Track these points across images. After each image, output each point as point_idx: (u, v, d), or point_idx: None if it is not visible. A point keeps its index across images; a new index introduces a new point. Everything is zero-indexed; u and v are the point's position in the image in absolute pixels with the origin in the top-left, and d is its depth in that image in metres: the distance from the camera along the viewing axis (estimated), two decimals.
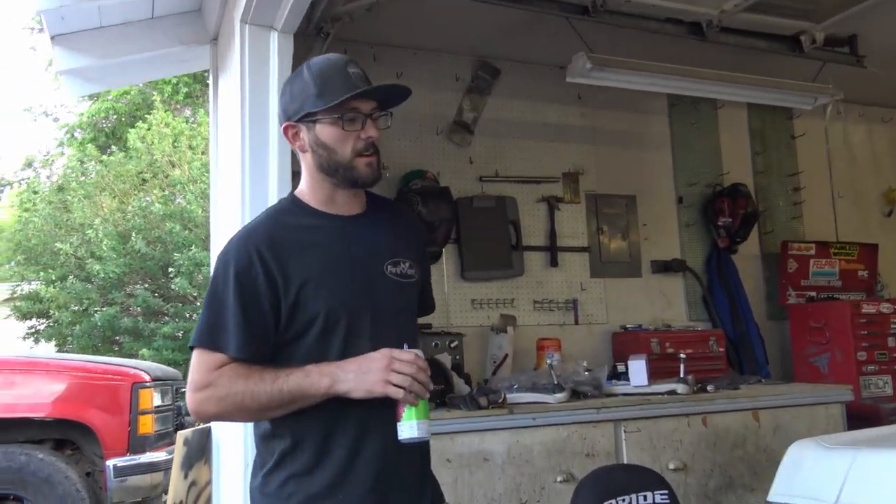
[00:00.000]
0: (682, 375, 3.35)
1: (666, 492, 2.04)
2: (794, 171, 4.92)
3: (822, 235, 4.81)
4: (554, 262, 4.12)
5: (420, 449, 1.62)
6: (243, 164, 2.66)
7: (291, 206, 1.70)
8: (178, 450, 3.33)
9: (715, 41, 3.61)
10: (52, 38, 3.48)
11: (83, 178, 10.14)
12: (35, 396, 4.51)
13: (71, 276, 8.65)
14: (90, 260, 8.55)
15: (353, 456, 1.56)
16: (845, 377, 4.04)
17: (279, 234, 1.61)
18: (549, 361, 3.26)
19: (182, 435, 3.38)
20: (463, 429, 2.84)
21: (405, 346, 1.54)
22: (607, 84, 3.53)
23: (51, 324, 9.12)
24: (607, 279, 4.28)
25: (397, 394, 1.47)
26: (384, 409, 1.52)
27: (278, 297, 1.56)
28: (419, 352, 1.54)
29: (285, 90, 1.68)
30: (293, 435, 1.57)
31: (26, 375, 4.62)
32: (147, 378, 4.68)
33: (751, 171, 4.81)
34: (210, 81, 3.84)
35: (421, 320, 1.87)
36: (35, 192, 11.19)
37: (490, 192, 4.05)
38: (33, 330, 9.53)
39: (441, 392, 3.11)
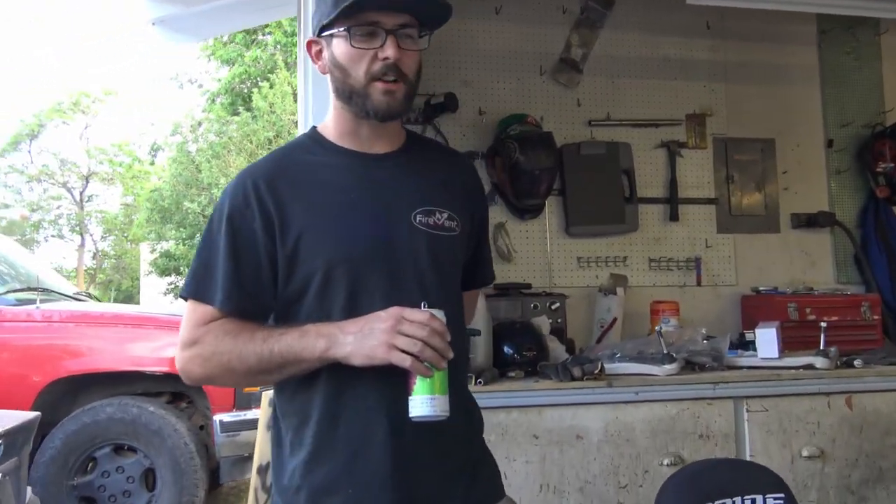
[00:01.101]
0: (821, 347, 2.85)
1: (782, 496, 1.63)
2: None
3: None
4: (674, 216, 3.65)
5: (454, 429, 1.33)
6: (305, 105, 2.42)
7: (307, 141, 1.48)
8: (264, 410, 3.22)
9: None
10: None
11: (215, 138, 10.49)
12: (153, 351, 4.61)
13: (198, 234, 8.97)
14: None
15: (363, 440, 1.29)
16: None
17: (285, 170, 1.40)
18: (659, 328, 2.85)
19: (267, 395, 3.27)
20: (553, 402, 2.52)
21: (423, 304, 1.27)
22: (738, 4, 2.99)
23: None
24: (737, 235, 3.75)
25: (403, 361, 1.22)
26: (402, 380, 1.26)
27: (275, 244, 1.34)
28: (439, 312, 1.26)
29: (314, 1, 1.46)
30: (298, 415, 1.33)
31: (146, 330, 4.73)
32: None
33: None
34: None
35: (517, 279, 1.58)
36: (190, 151, 11.67)
37: (600, 138, 3.62)
38: (172, 286, 10.04)
39: (533, 359, 2.80)
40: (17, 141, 22.62)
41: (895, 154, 3.75)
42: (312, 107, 2.41)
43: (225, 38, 14.32)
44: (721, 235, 3.72)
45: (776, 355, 2.87)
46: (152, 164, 18.72)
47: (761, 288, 3.62)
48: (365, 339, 1.25)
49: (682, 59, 3.77)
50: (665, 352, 2.72)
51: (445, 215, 1.45)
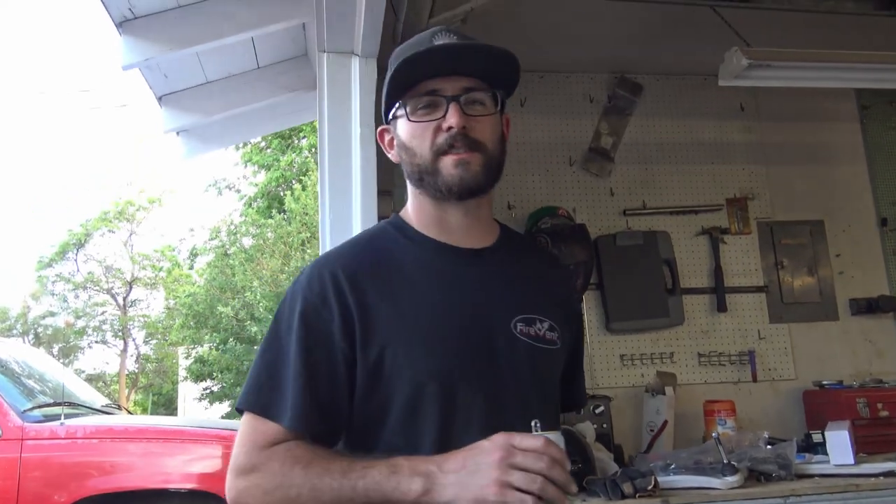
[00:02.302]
0: None
1: None
2: None
3: None
4: (721, 307, 3.41)
5: None
6: (323, 206, 2.31)
7: (389, 229, 1.28)
8: None
9: None
10: (159, 98, 3.40)
11: (251, 240, 10.59)
12: (180, 466, 4.42)
13: (231, 339, 8.91)
14: (249, 322, 8.77)
15: None
16: None
17: (367, 262, 1.21)
18: (716, 433, 2.57)
19: None
20: None
21: (535, 424, 1.03)
22: (771, 83, 2.86)
23: (221, 385, 9.45)
24: (792, 325, 3.48)
25: (522, 502, 0.97)
26: None
27: (355, 351, 1.13)
28: (555, 435, 1.02)
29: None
30: None
31: (173, 444, 4.55)
32: None
33: None
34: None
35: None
36: (226, 255, 11.79)
37: (637, 228, 3.45)
38: (207, 391, 9.92)
39: (578, 473, 2.53)
40: (65, 250, 23.28)
41: None
42: (329, 209, 2.29)
43: (262, 144, 14.76)
44: (774, 325, 3.46)
45: (852, 461, 2.57)
46: (191, 268, 19.02)
47: (825, 382, 3.32)
48: (471, 477, 0.99)
49: (717, 142, 3.63)
50: (725, 461, 2.45)
51: (546, 325, 1.24)
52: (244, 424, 1.15)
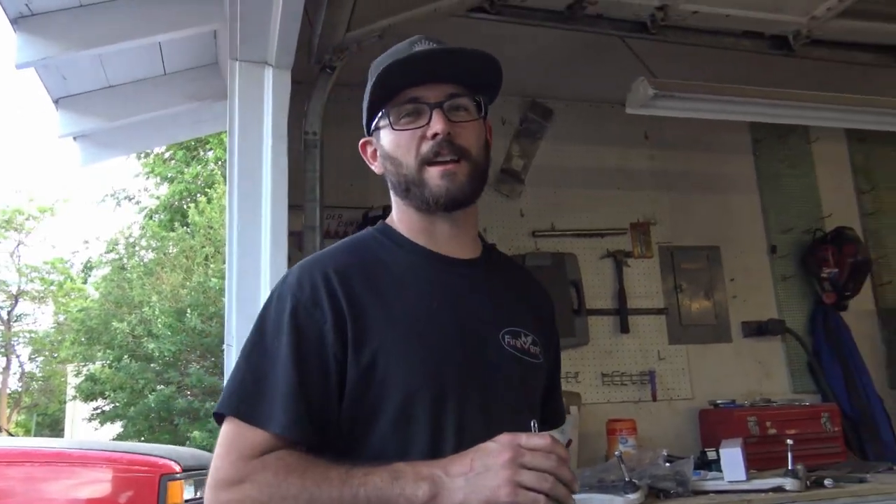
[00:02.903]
0: (789, 466, 2.66)
1: None
2: None
3: None
4: (624, 328, 3.51)
5: None
6: (230, 220, 2.23)
7: (378, 235, 1.23)
8: None
9: (805, 56, 3.02)
10: (56, 101, 3.22)
11: (151, 254, 10.18)
12: (66, 492, 4.15)
13: (126, 356, 8.49)
14: (146, 338, 8.39)
15: None
16: None
17: (358, 265, 1.16)
18: (618, 451, 2.63)
19: None
20: None
21: (534, 424, 1.01)
22: (676, 114, 2.98)
23: (114, 405, 8.98)
24: (690, 346, 3.63)
25: (534, 502, 0.94)
26: None
27: (346, 353, 1.08)
28: (556, 434, 1.01)
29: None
30: None
31: (49, 468, 4.27)
32: (177, 469, 4.24)
33: (857, 212, 4.11)
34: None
35: None
36: (123, 268, 11.24)
37: (545, 249, 3.51)
38: (98, 411, 9.40)
39: None
40: None
41: (838, 259, 3.73)
42: (238, 223, 2.22)
43: (166, 155, 14.24)
44: (673, 346, 3.59)
45: (744, 477, 2.67)
46: (85, 282, 18.08)
47: (719, 401, 3.46)
48: (480, 479, 0.96)
49: (623, 168, 3.75)
50: (627, 479, 2.50)
51: (530, 339, 1.22)
52: (227, 432, 1.06)
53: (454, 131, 1.14)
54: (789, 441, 2.72)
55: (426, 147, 1.14)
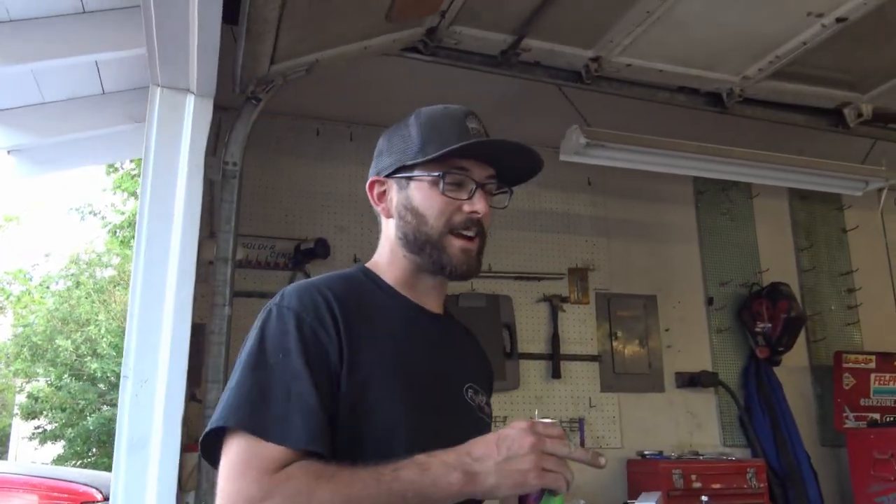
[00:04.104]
0: None
1: None
2: (848, 269, 4.23)
3: (885, 345, 4.06)
4: (556, 374, 3.49)
5: None
6: (138, 248, 2.18)
7: (363, 277, 1.22)
8: None
9: (738, 114, 3.07)
10: None
11: (111, 270, 9.98)
12: None
13: (66, 375, 8.26)
14: (89, 357, 8.18)
15: None
16: None
17: (353, 297, 1.14)
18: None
19: None
20: None
21: (536, 413, 1.04)
22: (608, 163, 3.00)
23: (54, 424, 8.70)
24: (622, 394, 3.61)
25: (558, 483, 0.97)
26: None
27: (340, 381, 1.06)
28: (556, 420, 1.04)
29: (383, 141, 1.27)
30: None
31: None
32: (98, 497, 4.12)
33: (795, 268, 4.16)
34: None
35: None
36: (78, 284, 10.98)
37: (481, 290, 3.49)
38: (40, 430, 9.12)
39: None
40: None
41: (772, 314, 3.76)
42: (145, 252, 2.17)
43: (134, 172, 14.05)
44: (605, 394, 3.57)
45: None
46: (42, 296, 17.72)
47: (646, 452, 3.44)
48: (509, 464, 0.97)
49: (565, 213, 3.77)
50: None
51: (485, 399, 1.24)
52: (239, 451, 1.00)
53: (486, 213, 1.17)
54: (704, 498, 2.70)
55: (459, 218, 1.15)
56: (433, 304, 1.24)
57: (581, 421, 3.47)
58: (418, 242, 1.18)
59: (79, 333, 8.46)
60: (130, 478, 2.04)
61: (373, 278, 1.22)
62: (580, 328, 3.62)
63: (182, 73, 2.21)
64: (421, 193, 1.18)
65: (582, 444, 3.44)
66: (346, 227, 3.37)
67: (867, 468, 3.53)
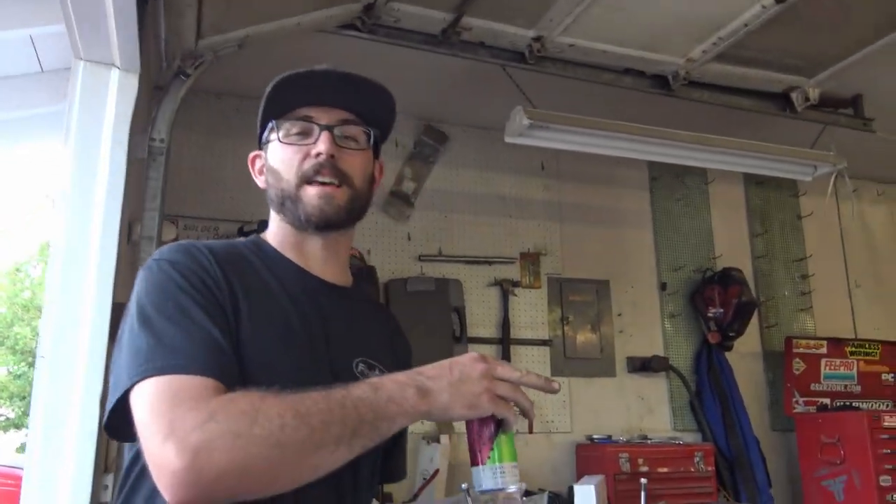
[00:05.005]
0: None
1: None
2: (802, 255, 4.25)
3: (836, 331, 4.08)
4: (506, 358, 3.47)
5: None
6: (57, 229, 2.12)
7: (250, 245, 1.18)
8: None
9: (685, 97, 3.06)
10: None
11: None
12: None
13: (24, 363, 8.13)
14: None
15: None
16: None
17: (233, 259, 1.10)
18: (464, 485, 2.56)
19: None
20: None
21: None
22: (552, 145, 2.98)
23: (14, 412, 8.58)
24: (573, 379, 3.60)
25: (507, 411, 0.99)
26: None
27: (229, 322, 1.01)
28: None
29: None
30: None
31: None
32: None
33: (749, 254, 4.16)
34: None
35: None
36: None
37: (431, 274, 3.46)
38: (3, 418, 8.99)
39: None
40: None
41: (724, 300, 3.76)
42: (65, 234, 2.11)
43: None
44: (556, 379, 3.54)
45: None
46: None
47: (595, 436, 3.43)
48: (462, 385, 0.97)
49: (516, 197, 3.74)
50: None
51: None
52: (160, 390, 0.90)
53: (339, 156, 1.13)
54: (643, 480, 2.69)
55: (308, 165, 1.12)
56: (330, 273, 1.20)
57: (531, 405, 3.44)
58: (279, 200, 1.15)
59: (37, 321, 8.35)
60: (45, 460, 1.99)
61: (260, 246, 1.19)
62: (531, 313, 3.61)
63: (104, 47, 2.15)
64: (273, 152, 1.17)
65: (531, 429, 3.42)
66: None
67: (815, 452, 3.55)
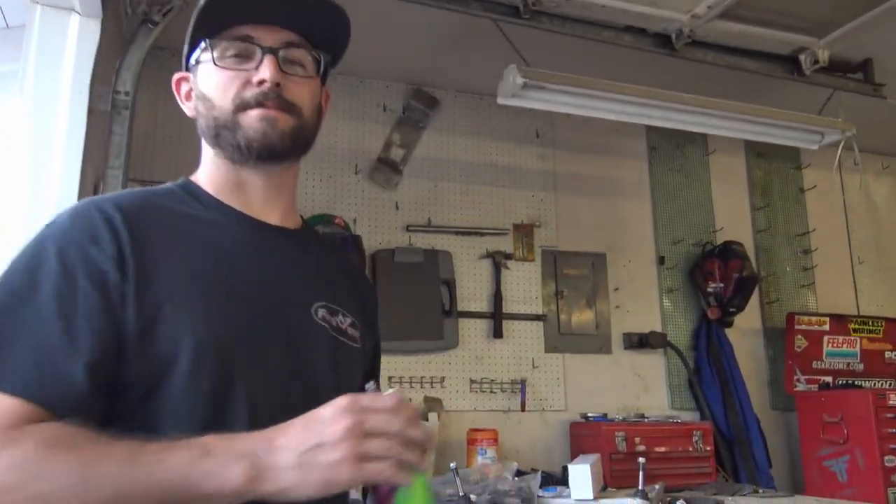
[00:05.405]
0: (640, 486, 2.52)
1: None
2: (804, 230, 4.11)
3: (839, 308, 3.95)
4: (498, 333, 3.32)
5: None
6: (19, 190, 1.96)
7: (178, 190, 1.04)
8: None
9: (689, 57, 2.89)
10: None
11: None
12: None
13: None
14: None
15: None
16: (869, 488, 3.14)
17: (151, 209, 0.97)
18: (453, 465, 2.43)
19: None
20: None
21: (370, 386, 0.89)
22: (548, 107, 2.81)
23: None
24: (567, 355, 3.46)
25: (382, 474, 0.78)
26: None
27: (125, 300, 0.86)
28: (397, 390, 0.85)
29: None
30: None
31: None
32: None
33: (750, 228, 4.02)
34: None
35: None
36: None
37: (419, 245, 3.31)
38: None
39: None
40: None
41: (724, 274, 3.62)
42: (30, 188, 1.95)
43: None
44: (549, 355, 3.42)
45: (590, 496, 2.52)
46: None
47: (590, 414, 3.30)
48: (315, 454, 0.77)
49: (510, 166, 3.58)
50: (461, 493, 2.31)
51: (349, 321, 1.07)
52: None
53: (285, 83, 0.99)
54: (641, 459, 2.57)
55: (249, 93, 0.98)
56: (275, 215, 1.06)
57: (523, 382, 3.31)
58: (213, 130, 1.00)
59: None
60: None
61: (190, 190, 1.04)
62: (525, 286, 3.46)
63: None
64: (205, 76, 1.01)
65: (523, 406, 3.29)
66: None
67: (817, 432, 3.43)
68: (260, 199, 1.04)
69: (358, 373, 1.09)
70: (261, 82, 0.97)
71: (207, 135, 1.03)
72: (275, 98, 0.98)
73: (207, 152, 1.06)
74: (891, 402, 3.24)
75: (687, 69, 3.02)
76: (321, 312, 1.02)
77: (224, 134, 0.99)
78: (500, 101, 2.76)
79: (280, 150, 1.00)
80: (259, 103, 0.97)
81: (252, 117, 0.98)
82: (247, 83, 0.98)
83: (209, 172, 1.05)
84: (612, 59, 2.99)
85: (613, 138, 3.74)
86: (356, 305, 1.12)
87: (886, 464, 3.16)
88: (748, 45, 2.95)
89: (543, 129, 3.65)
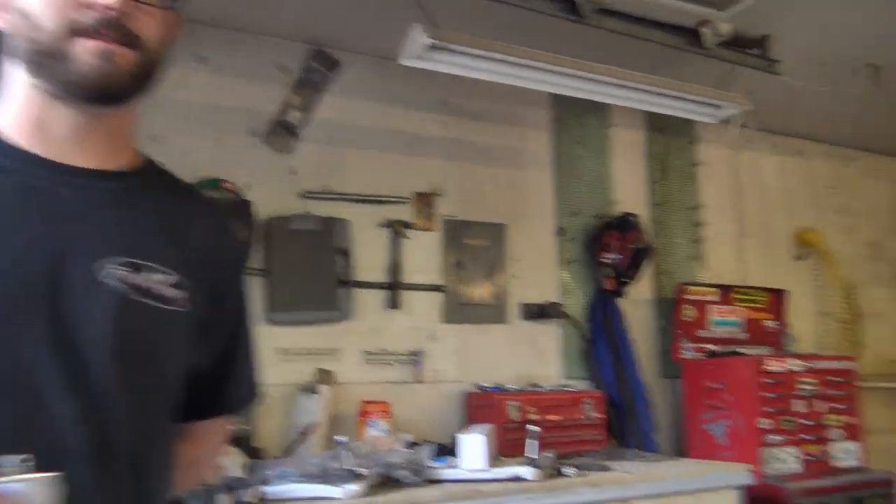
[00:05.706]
0: (530, 454, 2.54)
1: None
2: (696, 204, 4.23)
3: (726, 280, 4.10)
4: (395, 304, 3.27)
5: None
6: None
7: None
8: None
9: (595, 24, 2.85)
10: None
11: None
12: None
13: None
14: None
15: None
16: (745, 449, 3.29)
17: None
18: (342, 438, 2.37)
19: None
20: None
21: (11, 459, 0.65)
22: (454, 70, 2.75)
23: None
24: (464, 326, 3.45)
25: None
26: None
27: None
28: (47, 481, 0.64)
29: None
30: None
31: None
32: None
33: (648, 201, 4.09)
34: None
35: None
36: None
37: (316, 212, 3.19)
38: None
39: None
40: None
41: (621, 245, 3.69)
42: None
43: None
44: (447, 326, 3.39)
45: (483, 465, 2.52)
46: None
47: (485, 385, 3.31)
48: None
49: (412, 133, 3.50)
50: (347, 468, 2.25)
51: (172, 279, 0.92)
52: None
53: (131, 12, 0.85)
54: (532, 427, 2.59)
55: (84, 16, 0.83)
56: (85, 156, 0.91)
57: (420, 353, 3.28)
58: (33, 54, 0.84)
59: None
60: None
61: None
62: (424, 256, 3.41)
63: None
64: None
65: (419, 378, 3.26)
66: (160, 137, 2.90)
67: (700, 397, 3.57)
68: (70, 139, 0.90)
69: (181, 344, 0.96)
70: (106, 8, 0.83)
71: (29, 58, 0.86)
72: (116, 28, 0.84)
73: (15, 78, 0.89)
74: (769, 368, 3.40)
75: (593, 40, 3.00)
76: (109, 269, 0.88)
77: (48, 63, 0.84)
78: (404, 61, 2.67)
79: (118, 92, 0.87)
80: (97, 31, 0.83)
81: (86, 49, 0.83)
82: (80, 5, 0.83)
83: (9, 103, 0.90)
84: (521, 29, 2.94)
85: (518, 107, 3.72)
86: (197, 262, 0.98)
87: (760, 426, 3.31)
88: (655, 16, 2.96)
89: (447, 97, 3.58)
